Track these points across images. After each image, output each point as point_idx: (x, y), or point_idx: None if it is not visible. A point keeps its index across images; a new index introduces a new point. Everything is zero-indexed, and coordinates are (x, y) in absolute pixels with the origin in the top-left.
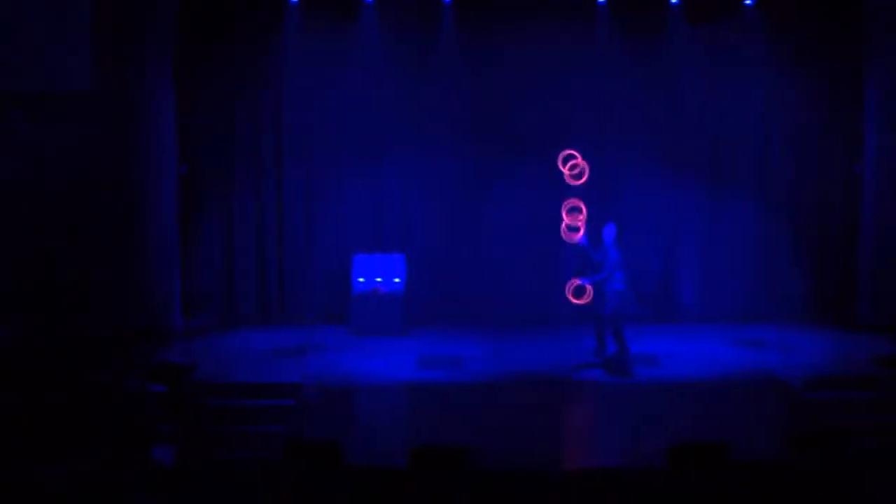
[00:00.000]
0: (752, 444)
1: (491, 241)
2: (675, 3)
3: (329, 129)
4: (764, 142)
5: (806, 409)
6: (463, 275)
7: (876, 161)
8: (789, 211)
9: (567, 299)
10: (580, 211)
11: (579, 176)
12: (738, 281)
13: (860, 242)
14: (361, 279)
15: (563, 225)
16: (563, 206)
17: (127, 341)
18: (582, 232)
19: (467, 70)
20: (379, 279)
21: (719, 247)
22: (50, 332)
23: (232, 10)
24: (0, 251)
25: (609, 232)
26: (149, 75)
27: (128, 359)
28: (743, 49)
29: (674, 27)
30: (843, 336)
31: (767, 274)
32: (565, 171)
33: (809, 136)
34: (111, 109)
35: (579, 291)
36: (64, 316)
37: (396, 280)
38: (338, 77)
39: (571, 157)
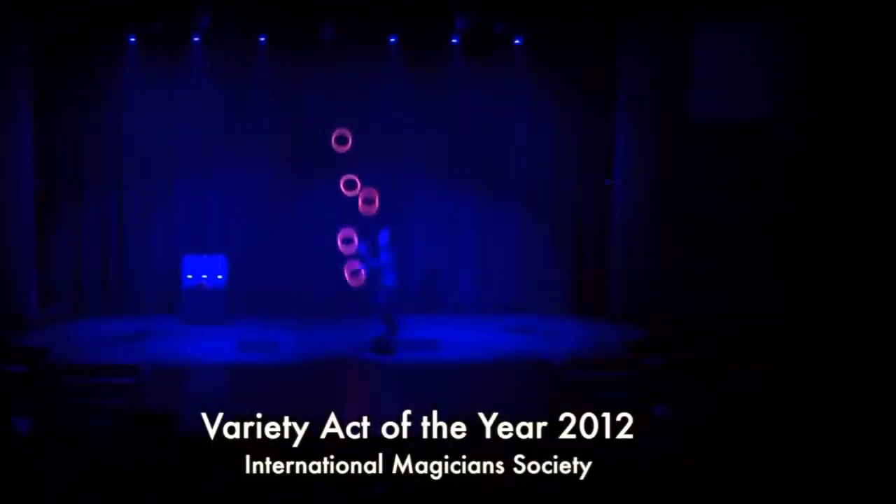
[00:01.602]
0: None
1: (300, 243)
2: (455, 43)
3: (163, 148)
4: (530, 157)
5: (567, 387)
6: (276, 272)
7: (623, 176)
8: (552, 216)
9: (357, 292)
10: (356, 185)
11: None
12: (509, 276)
13: (610, 244)
14: (189, 276)
15: (339, 239)
16: (340, 182)
17: None
18: (356, 241)
19: (280, 98)
20: (204, 276)
21: (494, 247)
22: None
23: (78, 48)
24: None
25: (383, 236)
26: (9, 105)
27: None
28: (513, 79)
29: (455, 61)
30: (598, 324)
31: (534, 270)
32: (346, 191)
33: (569, 152)
34: None
35: (354, 274)
36: None
37: (219, 277)
38: (171, 103)
39: (352, 182)
